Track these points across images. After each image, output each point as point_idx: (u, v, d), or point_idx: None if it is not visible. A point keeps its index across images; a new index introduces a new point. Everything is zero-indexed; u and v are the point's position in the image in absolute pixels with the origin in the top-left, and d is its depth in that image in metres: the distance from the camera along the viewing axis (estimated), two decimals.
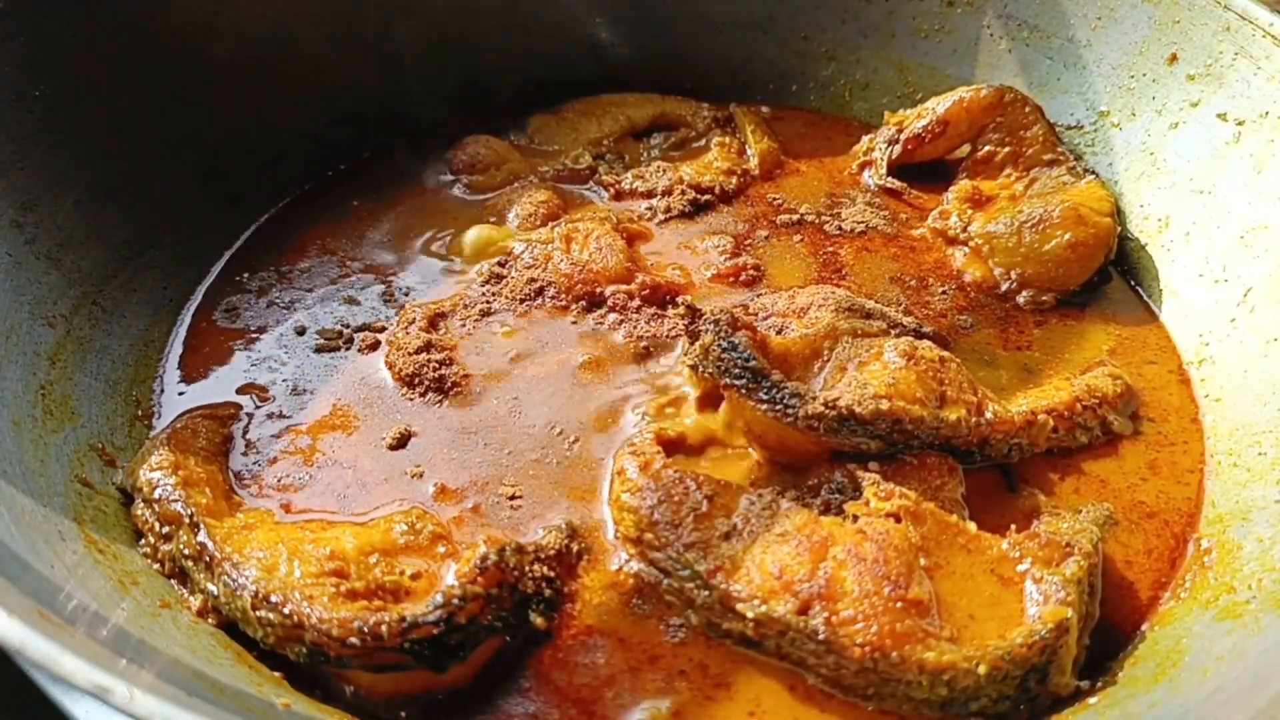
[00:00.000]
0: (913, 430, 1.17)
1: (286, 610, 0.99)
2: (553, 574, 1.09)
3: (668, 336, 1.39)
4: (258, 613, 1.00)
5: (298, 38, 1.61)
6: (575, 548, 1.13)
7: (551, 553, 1.11)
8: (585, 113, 1.79)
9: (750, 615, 1.02)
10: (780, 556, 1.04)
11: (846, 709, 1.02)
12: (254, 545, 1.06)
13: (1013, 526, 1.12)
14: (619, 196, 1.65)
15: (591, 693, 1.03)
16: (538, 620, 1.05)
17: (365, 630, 0.96)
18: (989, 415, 1.22)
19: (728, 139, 1.75)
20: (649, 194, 1.64)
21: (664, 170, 1.67)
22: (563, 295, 1.43)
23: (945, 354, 1.26)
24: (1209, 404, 1.35)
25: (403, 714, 1.02)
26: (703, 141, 1.77)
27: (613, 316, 1.41)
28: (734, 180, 1.67)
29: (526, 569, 1.06)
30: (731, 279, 1.49)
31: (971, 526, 1.10)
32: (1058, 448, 1.27)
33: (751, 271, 1.50)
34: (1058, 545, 1.08)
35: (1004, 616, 1.02)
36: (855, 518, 1.09)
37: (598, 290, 1.43)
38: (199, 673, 0.95)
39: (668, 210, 1.61)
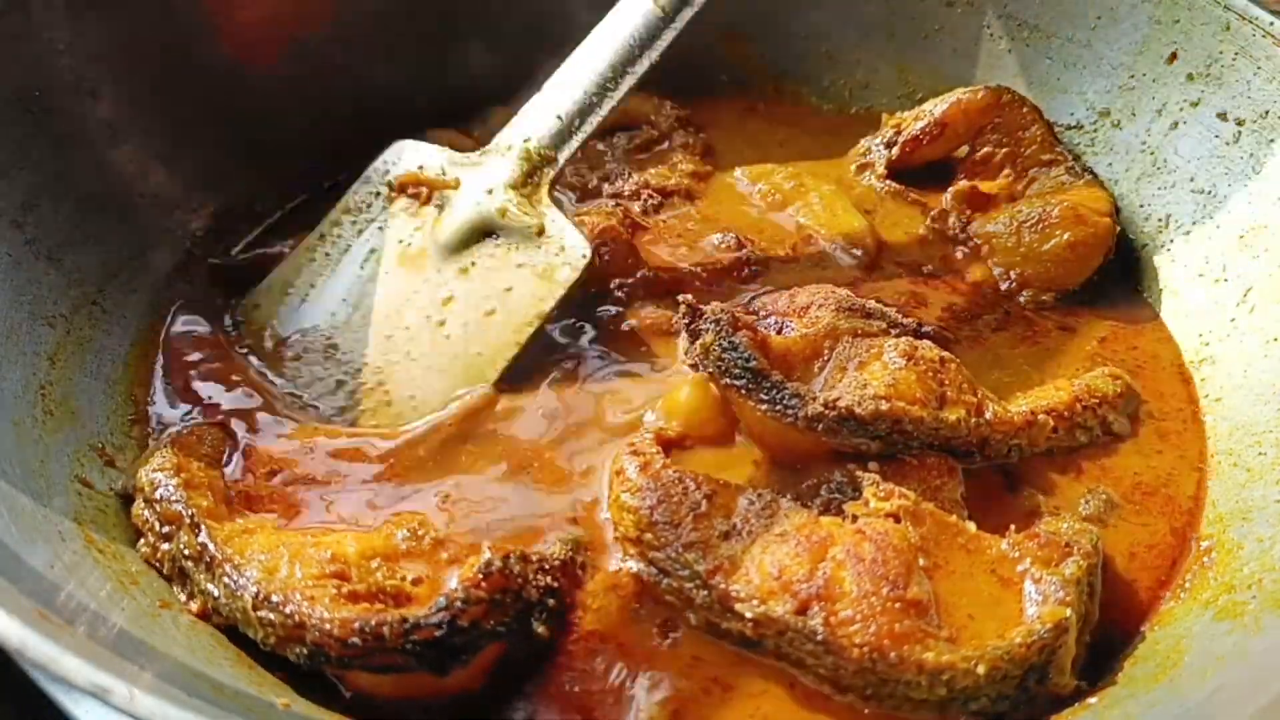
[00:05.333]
0: (912, 431, 1.17)
1: (288, 610, 0.99)
2: (556, 584, 1.08)
3: (669, 333, 1.38)
4: (259, 613, 1.00)
5: (298, 38, 1.61)
6: (579, 559, 1.13)
7: (556, 563, 1.09)
8: None
9: (749, 615, 1.02)
10: (779, 557, 1.04)
11: (846, 710, 1.02)
12: (255, 548, 1.06)
13: (1012, 526, 1.12)
14: (585, 199, 1.63)
15: (592, 697, 1.03)
16: (540, 629, 1.04)
17: (367, 631, 0.96)
18: (989, 415, 1.22)
19: (691, 139, 1.73)
20: (616, 196, 1.61)
21: (628, 172, 1.65)
22: None
23: (945, 354, 1.26)
24: (1209, 404, 1.35)
25: (403, 716, 1.01)
26: (666, 143, 1.74)
27: (614, 311, 1.41)
28: (701, 184, 1.65)
29: (531, 577, 1.05)
30: (734, 275, 1.49)
31: (971, 526, 1.10)
32: (1058, 448, 1.27)
33: (753, 266, 1.50)
34: (1057, 545, 1.08)
35: (1003, 616, 1.02)
36: (855, 518, 1.09)
37: (599, 286, 1.43)
38: (199, 673, 0.95)
39: (659, 209, 1.60)
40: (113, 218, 1.40)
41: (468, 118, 1.72)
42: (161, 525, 1.11)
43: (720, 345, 1.21)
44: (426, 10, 1.71)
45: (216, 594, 1.05)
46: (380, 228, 1.42)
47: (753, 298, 1.41)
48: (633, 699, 1.02)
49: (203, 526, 1.08)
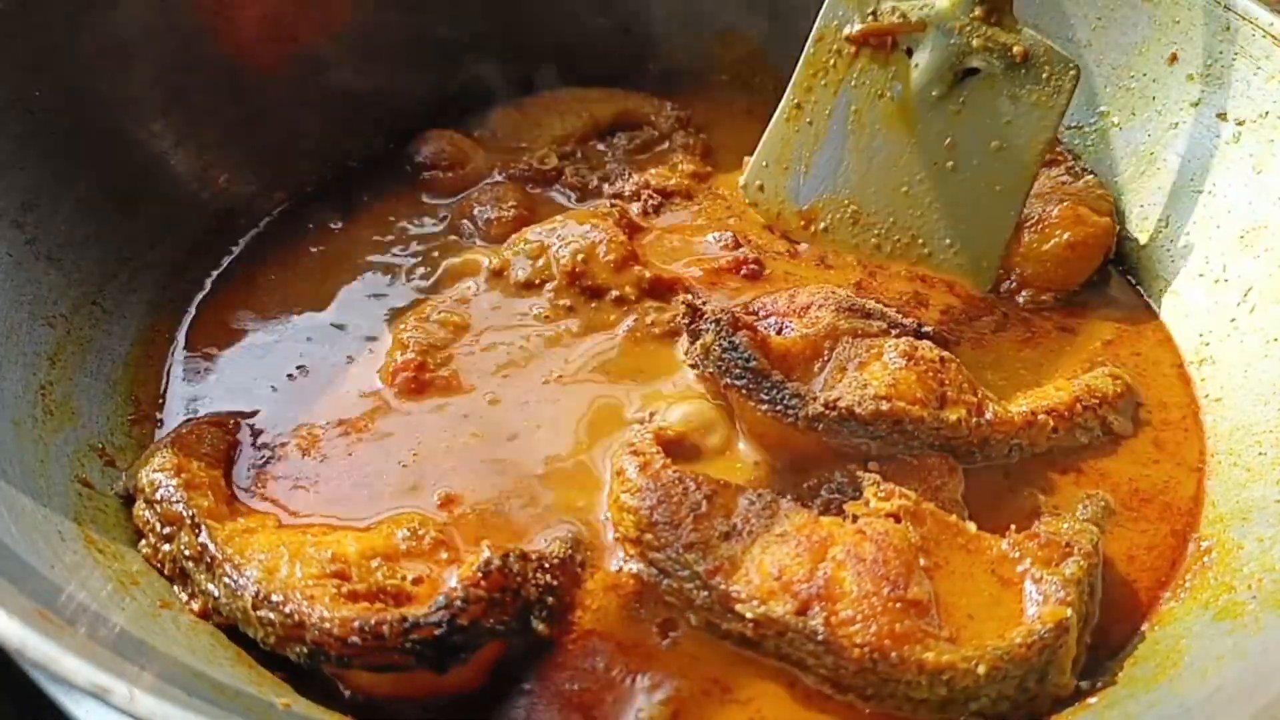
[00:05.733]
0: (913, 431, 1.18)
1: (288, 610, 0.99)
2: (555, 583, 1.08)
3: (669, 333, 1.38)
4: (258, 613, 1.00)
5: (299, 40, 1.61)
6: (579, 557, 1.13)
7: (555, 561, 1.09)
8: (549, 108, 1.75)
9: (749, 616, 1.02)
10: (779, 557, 1.04)
11: (846, 710, 1.02)
12: (255, 548, 1.07)
13: (1013, 526, 1.12)
14: (585, 199, 1.63)
15: (592, 696, 1.03)
16: (540, 628, 1.04)
17: (366, 629, 0.96)
18: (989, 416, 1.22)
19: (691, 139, 1.73)
20: (616, 196, 1.61)
21: (628, 172, 1.65)
22: (563, 292, 1.43)
23: (945, 354, 1.26)
24: (1209, 404, 1.35)
25: (403, 715, 1.02)
26: (666, 144, 1.73)
27: (614, 312, 1.41)
28: (701, 184, 1.65)
29: (530, 575, 1.06)
30: (732, 272, 1.49)
31: (971, 526, 1.10)
32: (1058, 448, 1.27)
33: (752, 265, 1.50)
34: (1058, 545, 1.08)
35: (1003, 616, 1.02)
36: (855, 518, 1.09)
37: (599, 285, 1.43)
38: (199, 673, 0.95)
39: (659, 209, 1.60)
40: (113, 218, 1.39)
41: (468, 118, 1.73)
42: (162, 526, 1.11)
43: (720, 345, 1.21)
44: (427, 11, 1.71)
45: (217, 594, 1.05)
46: (853, 85, 1.43)
47: (753, 298, 1.41)
48: (632, 699, 1.02)
49: (203, 527, 1.08)
